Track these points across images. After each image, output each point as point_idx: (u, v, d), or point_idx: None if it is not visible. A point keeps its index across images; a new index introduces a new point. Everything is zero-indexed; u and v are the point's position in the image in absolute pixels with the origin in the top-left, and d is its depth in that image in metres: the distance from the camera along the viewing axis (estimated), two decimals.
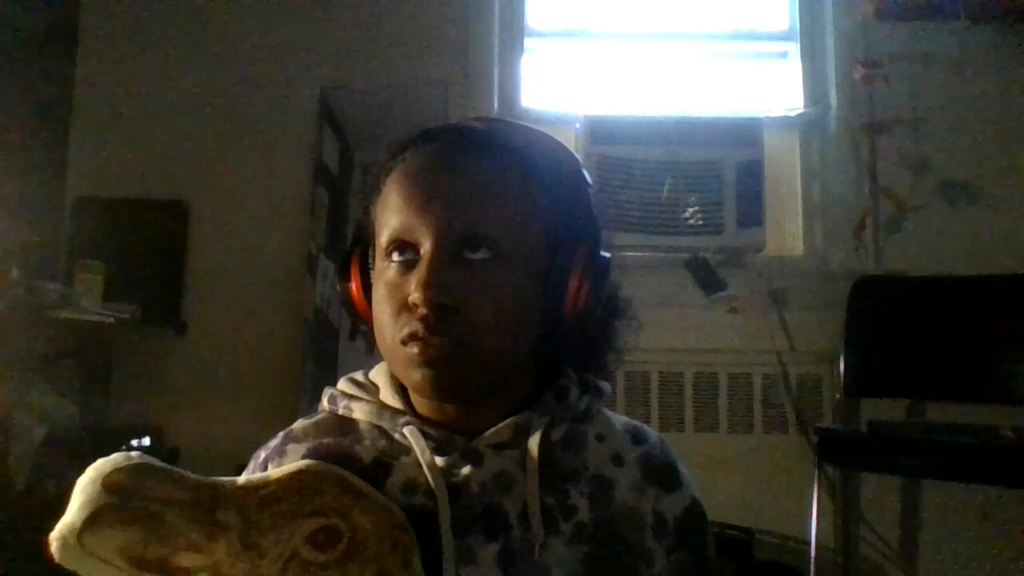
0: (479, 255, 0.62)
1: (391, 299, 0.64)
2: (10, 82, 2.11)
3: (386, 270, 0.65)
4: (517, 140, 0.69)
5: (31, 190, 2.13)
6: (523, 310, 0.65)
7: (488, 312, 0.62)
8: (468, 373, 0.63)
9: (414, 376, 0.63)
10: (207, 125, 2.34)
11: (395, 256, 0.64)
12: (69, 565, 0.53)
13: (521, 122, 0.75)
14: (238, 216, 2.31)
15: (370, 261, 0.70)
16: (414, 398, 0.69)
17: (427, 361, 0.61)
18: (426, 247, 0.62)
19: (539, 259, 0.66)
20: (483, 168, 0.65)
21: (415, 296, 0.61)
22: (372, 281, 0.69)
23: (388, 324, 0.64)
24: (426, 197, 0.63)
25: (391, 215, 0.65)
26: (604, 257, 0.69)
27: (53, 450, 1.68)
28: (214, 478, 0.58)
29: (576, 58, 2.51)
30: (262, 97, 2.35)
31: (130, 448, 1.82)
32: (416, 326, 0.61)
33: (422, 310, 0.61)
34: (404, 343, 0.62)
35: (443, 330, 0.61)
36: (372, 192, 0.70)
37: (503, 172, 0.65)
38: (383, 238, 0.65)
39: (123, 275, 2.04)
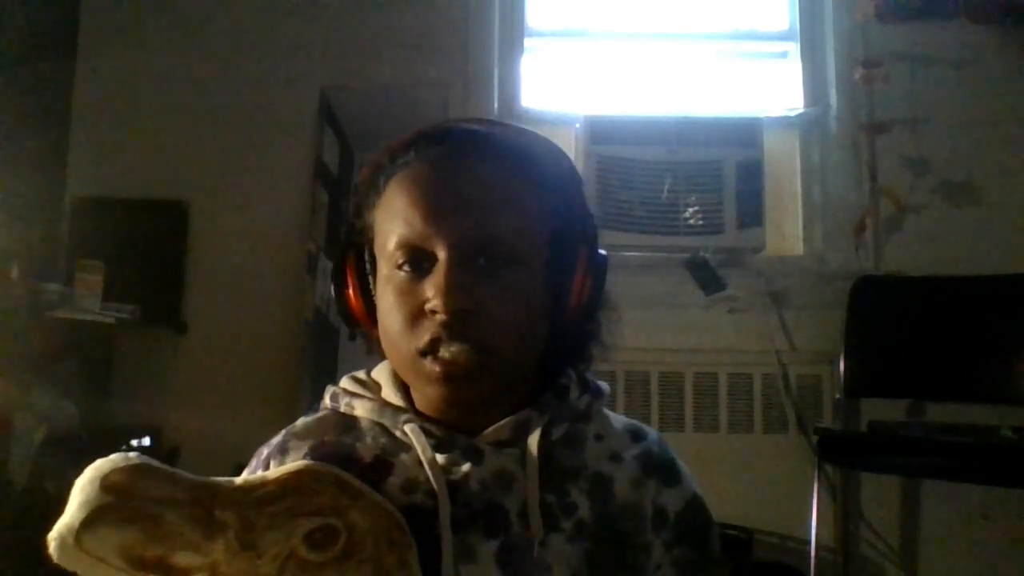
0: (494, 260, 0.63)
1: (403, 307, 0.63)
2: (10, 82, 2.11)
3: (394, 277, 0.64)
4: (517, 142, 0.69)
5: (31, 190, 2.13)
6: (537, 311, 0.65)
7: (507, 315, 0.62)
8: (488, 382, 0.63)
9: (431, 392, 0.64)
10: (207, 125, 2.34)
11: (405, 263, 0.63)
12: (67, 565, 0.53)
13: (512, 123, 0.75)
14: (238, 216, 2.31)
15: (367, 265, 0.69)
16: (415, 396, 0.69)
17: (448, 376, 0.61)
18: (441, 255, 0.62)
19: (546, 260, 0.67)
20: (490, 172, 0.65)
21: (435, 303, 0.60)
22: (374, 287, 0.68)
23: (402, 333, 0.63)
24: (436, 204, 0.63)
25: (398, 222, 0.64)
26: (603, 256, 0.70)
27: (53, 450, 1.68)
28: (212, 478, 0.58)
29: (576, 58, 2.51)
30: (262, 97, 2.35)
31: (130, 448, 1.82)
32: (437, 331, 0.61)
33: (441, 316, 0.60)
34: (423, 353, 0.62)
35: (465, 335, 0.61)
36: (368, 195, 0.69)
37: (509, 176, 0.66)
38: (389, 244, 0.64)
39: (123, 275, 2.04)
